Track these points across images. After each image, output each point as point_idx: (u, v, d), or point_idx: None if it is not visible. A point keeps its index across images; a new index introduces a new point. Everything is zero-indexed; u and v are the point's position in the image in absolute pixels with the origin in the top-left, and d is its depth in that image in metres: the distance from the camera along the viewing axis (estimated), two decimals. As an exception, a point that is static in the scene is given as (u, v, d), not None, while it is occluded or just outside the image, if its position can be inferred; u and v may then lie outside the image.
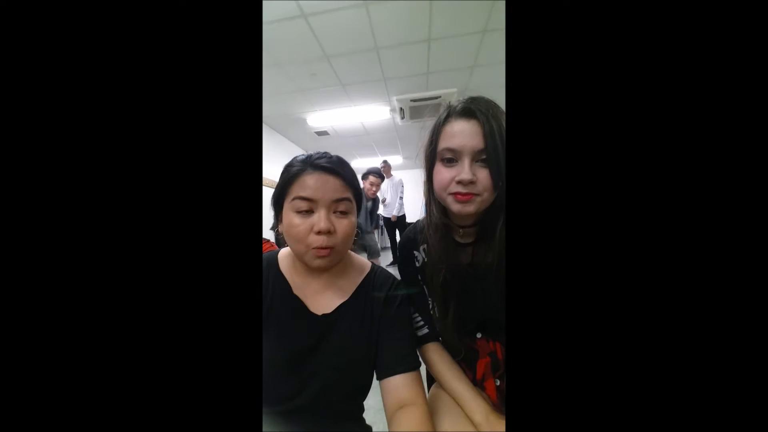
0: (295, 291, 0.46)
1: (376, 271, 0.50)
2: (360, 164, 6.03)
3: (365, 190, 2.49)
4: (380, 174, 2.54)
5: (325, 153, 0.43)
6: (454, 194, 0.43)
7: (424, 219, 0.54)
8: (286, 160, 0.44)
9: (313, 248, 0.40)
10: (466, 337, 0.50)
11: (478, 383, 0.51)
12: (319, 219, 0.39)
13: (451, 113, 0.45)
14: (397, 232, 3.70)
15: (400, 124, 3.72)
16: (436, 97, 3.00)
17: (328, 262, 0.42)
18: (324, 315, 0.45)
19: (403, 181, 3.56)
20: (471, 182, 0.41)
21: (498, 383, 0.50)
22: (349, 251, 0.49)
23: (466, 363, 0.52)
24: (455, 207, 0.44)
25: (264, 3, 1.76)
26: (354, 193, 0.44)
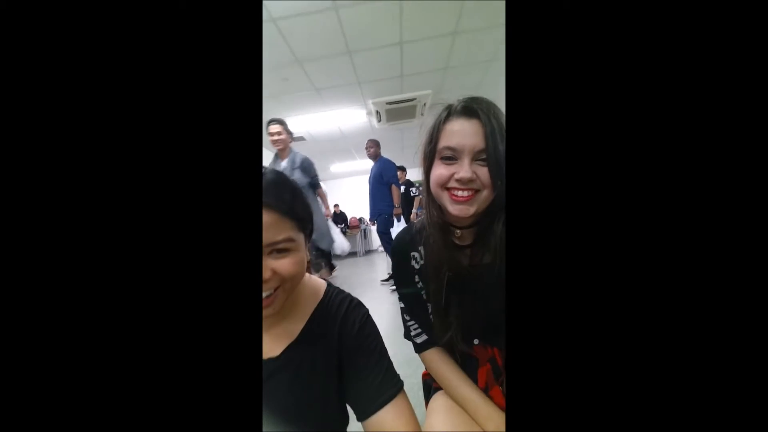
0: None
1: (331, 294, 0.43)
2: (338, 168, 5.98)
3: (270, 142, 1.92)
4: (281, 121, 1.96)
5: None
6: (451, 191, 0.42)
7: (418, 221, 0.52)
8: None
9: None
10: (463, 344, 0.49)
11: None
12: None
13: (452, 112, 0.44)
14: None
15: (376, 127, 3.71)
16: (411, 99, 3.03)
17: (273, 309, 0.35)
18: (269, 359, 0.39)
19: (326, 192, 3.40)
20: (470, 180, 0.41)
21: (503, 389, 0.49)
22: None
23: (464, 372, 0.51)
24: (454, 208, 0.42)
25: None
26: (297, 224, 0.35)
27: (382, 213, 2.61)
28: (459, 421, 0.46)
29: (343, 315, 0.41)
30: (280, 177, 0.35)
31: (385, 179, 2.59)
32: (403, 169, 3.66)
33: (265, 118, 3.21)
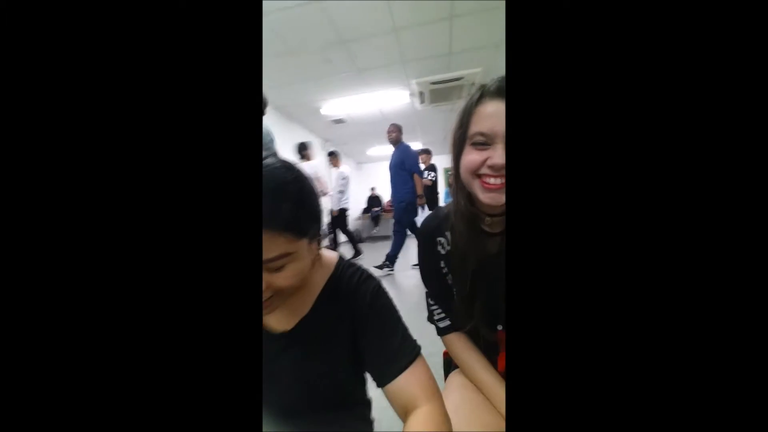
0: None
1: (342, 267, 0.43)
2: (376, 152, 5.99)
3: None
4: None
5: None
6: (483, 178, 0.40)
7: (447, 205, 0.51)
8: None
9: None
10: (487, 329, 0.48)
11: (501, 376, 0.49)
12: None
13: (485, 93, 0.41)
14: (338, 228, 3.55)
15: (419, 108, 3.60)
16: (458, 79, 2.86)
17: (270, 310, 0.35)
18: (282, 333, 0.40)
19: (349, 176, 3.33)
20: (504, 167, 0.38)
21: None
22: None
23: (486, 357, 0.50)
24: (485, 196, 0.40)
25: (279, -14, 1.72)
26: (296, 234, 0.33)
27: (402, 201, 2.59)
28: (474, 398, 0.47)
29: (354, 288, 0.41)
30: (282, 178, 0.32)
31: (406, 166, 2.55)
32: (428, 152, 3.52)
33: (307, 101, 3.31)
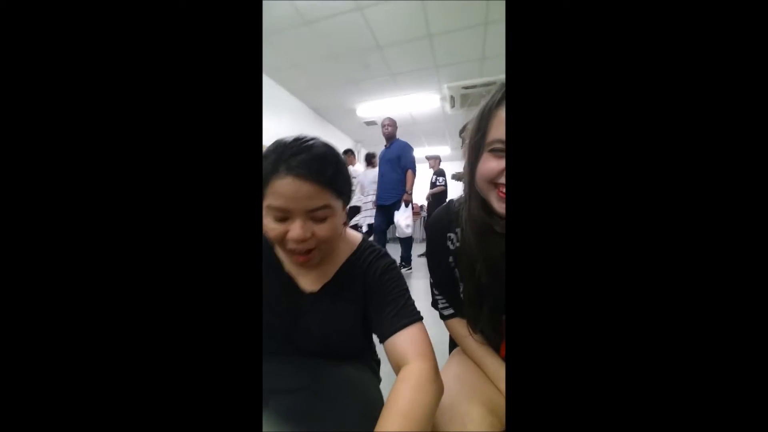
0: (287, 267, 0.48)
1: (363, 246, 0.50)
2: (406, 154, 6.02)
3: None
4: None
5: (303, 145, 0.39)
6: (500, 188, 0.39)
7: (458, 200, 0.51)
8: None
9: (291, 251, 0.41)
10: (492, 327, 0.49)
11: None
12: (294, 228, 0.39)
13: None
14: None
15: (449, 113, 3.61)
16: (489, 84, 2.84)
17: (310, 264, 0.43)
18: (311, 293, 0.48)
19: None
20: None
21: None
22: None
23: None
24: (502, 206, 0.39)
25: (323, -1, 1.87)
26: (336, 192, 0.40)
27: (388, 198, 2.48)
28: (475, 370, 0.50)
29: (369, 262, 0.49)
30: (326, 151, 0.40)
31: (402, 162, 2.42)
32: (437, 158, 3.47)
33: (343, 102, 3.46)
